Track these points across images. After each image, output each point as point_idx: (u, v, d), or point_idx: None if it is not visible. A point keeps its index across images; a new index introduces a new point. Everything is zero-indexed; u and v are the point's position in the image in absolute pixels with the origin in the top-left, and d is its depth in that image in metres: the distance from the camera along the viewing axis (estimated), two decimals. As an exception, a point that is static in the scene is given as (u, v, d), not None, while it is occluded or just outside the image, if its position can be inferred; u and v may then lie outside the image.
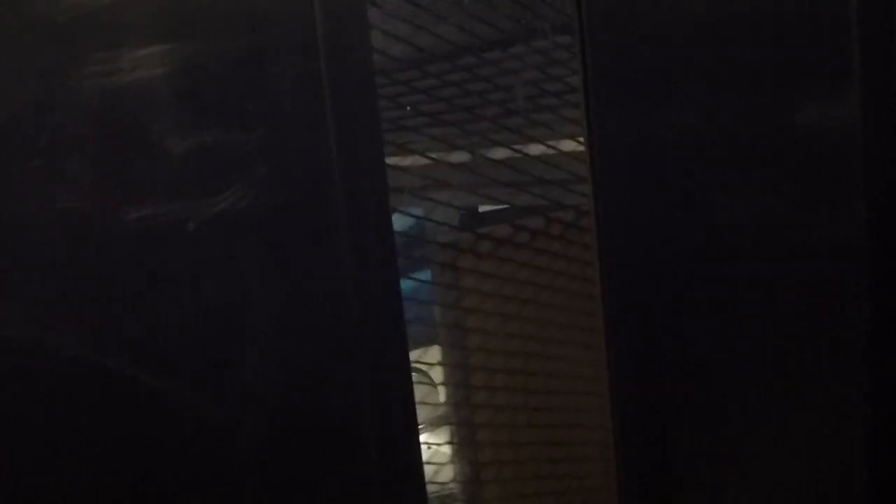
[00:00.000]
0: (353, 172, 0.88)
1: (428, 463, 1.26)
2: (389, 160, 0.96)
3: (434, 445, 1.32)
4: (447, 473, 1.32)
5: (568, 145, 1.29)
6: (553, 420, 1.41)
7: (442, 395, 1.37)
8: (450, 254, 1.28)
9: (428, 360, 1.30)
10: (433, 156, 1.17)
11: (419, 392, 1.35)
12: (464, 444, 1.35)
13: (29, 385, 0.76)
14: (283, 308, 0.86)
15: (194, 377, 0.82)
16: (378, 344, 0.94)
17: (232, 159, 0.81)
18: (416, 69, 1.16)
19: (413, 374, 1.36)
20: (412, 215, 1.22)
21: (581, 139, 1.19)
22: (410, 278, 1.31)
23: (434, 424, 1.36)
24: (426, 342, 1.34)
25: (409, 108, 1.10)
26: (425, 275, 1.32)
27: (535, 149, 1.30)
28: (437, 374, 1.35)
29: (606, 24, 1.12)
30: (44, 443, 0.77)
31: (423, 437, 1.28)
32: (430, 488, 1.19)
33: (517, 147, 1.27)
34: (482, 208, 1.37)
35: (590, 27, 1.10)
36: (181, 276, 0.81)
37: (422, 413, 1.30)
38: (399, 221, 1.17)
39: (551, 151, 1.30)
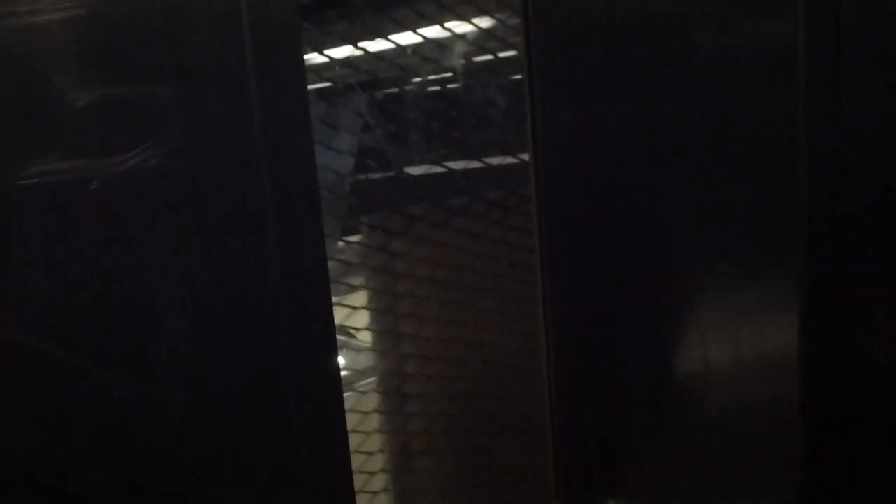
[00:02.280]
0: (275, 130, 0.83)
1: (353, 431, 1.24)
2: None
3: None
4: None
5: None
6: (487, 391, 1.40)
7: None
8: (380, 215, 1.24)
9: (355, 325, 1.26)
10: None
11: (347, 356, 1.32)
12: (392, 414, 1.33)
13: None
14: (199, 275, 0.81)
15: (102, 350, 0.77)
16: (303, 313, 0.90)
17: (142, 115, 0.75)
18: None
19: (341, 336, 1.34)
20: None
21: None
22: (340, 240, 1.28)
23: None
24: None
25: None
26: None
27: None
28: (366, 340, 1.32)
29: (552, 18, 1.10)
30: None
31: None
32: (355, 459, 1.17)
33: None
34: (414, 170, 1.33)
35: (536, 20, 1.08)
36: (85, 237, 0.75)
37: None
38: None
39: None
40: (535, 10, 1.10)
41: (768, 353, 1.12)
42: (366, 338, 1.33)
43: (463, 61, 1.26)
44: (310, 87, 0.98)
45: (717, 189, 1.12)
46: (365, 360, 1.42)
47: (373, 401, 1.31)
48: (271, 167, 0.83)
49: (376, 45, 1.17)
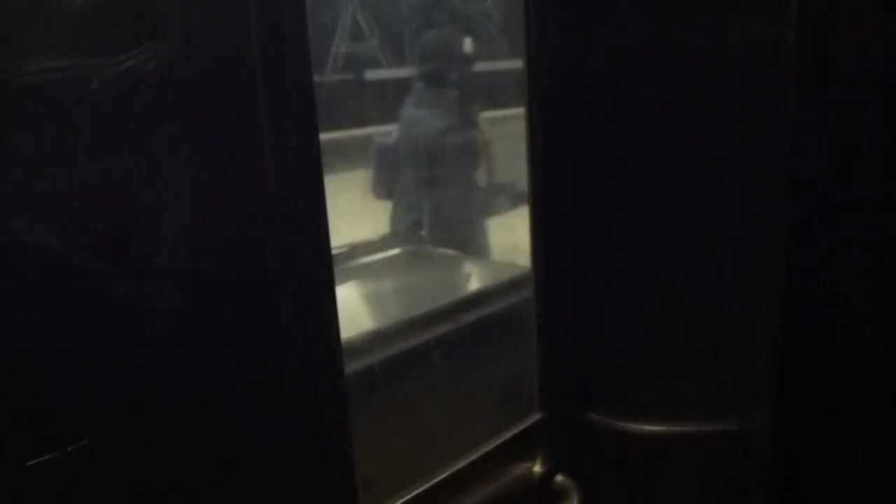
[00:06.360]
0: (273, 34, 0.83)
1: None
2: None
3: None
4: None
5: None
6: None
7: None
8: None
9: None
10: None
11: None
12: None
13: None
14: (195, 177, 0.83)
15: (99, 245, 0.78)
16: (297, 212, 0.92)
17: (140, 15, 0.75)
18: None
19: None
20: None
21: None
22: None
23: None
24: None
25: None
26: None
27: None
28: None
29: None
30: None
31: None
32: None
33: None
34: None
35: None
36: (83, 135, 0.76)
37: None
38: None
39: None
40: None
41: (747, 276, 1.15)
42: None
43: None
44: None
45: (706, 114, 1.14)
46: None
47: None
48: (267, 68, 0.83)
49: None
